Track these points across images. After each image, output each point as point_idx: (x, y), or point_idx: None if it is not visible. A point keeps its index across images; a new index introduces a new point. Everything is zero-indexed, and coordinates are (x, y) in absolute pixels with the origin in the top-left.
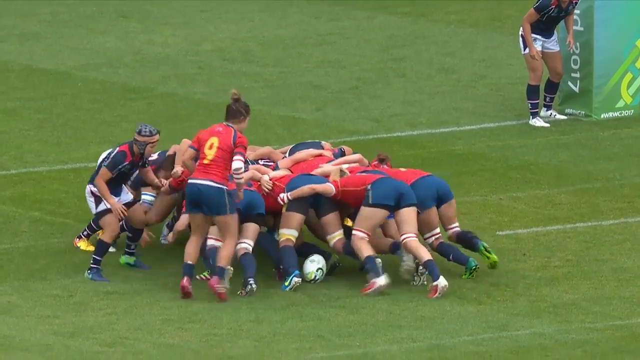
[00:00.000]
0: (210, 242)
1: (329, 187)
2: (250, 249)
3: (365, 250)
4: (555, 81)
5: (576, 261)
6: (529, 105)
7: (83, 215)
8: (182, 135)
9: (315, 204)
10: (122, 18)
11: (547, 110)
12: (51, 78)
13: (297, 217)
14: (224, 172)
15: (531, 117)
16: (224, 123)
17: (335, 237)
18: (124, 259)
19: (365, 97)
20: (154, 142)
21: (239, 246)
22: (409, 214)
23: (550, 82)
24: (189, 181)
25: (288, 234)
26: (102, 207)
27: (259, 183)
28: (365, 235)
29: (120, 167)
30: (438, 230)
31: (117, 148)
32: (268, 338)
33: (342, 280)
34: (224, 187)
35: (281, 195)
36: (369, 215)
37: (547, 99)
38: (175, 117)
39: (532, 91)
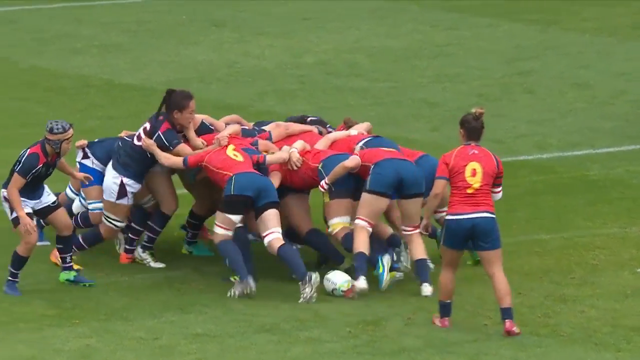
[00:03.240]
0: (219, 231)
1: (355, 160)
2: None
3: (360, 243)
4: None
5: None
6: None
7: (171, 249)
8: None
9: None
10: (214, 27)
11: None
12: (135, 94)
13: (343, 203)
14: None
15: None
16: (474, 144)
17: (338, 224)
18: (63, 276)
19: (487, 116)
20: (69, 137)
21: (270, 237)
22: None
23: None
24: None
25: (342, 222)
26: (15, 214)
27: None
28: (367, 225)
29: (33, 171)
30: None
31: (28, 151)
32: None
33: (458, 322)
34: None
35: (321, 182)
36: (368, 202)
37: None
38: None
39: None
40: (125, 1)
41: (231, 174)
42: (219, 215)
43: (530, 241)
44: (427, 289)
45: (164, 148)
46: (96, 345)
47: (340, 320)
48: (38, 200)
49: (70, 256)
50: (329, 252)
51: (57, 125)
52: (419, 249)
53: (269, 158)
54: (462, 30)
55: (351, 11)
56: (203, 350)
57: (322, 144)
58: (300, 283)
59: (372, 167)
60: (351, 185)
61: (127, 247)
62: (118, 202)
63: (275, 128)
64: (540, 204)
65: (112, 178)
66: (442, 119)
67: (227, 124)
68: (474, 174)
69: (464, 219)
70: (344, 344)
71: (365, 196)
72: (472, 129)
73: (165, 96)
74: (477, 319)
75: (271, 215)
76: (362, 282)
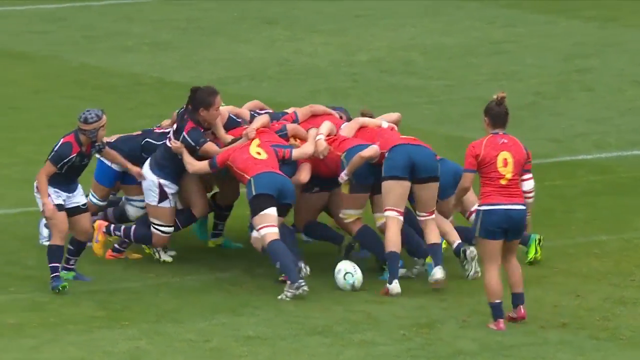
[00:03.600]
0: (264, 231)
1: (374, 149)
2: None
3: (391, 241)
4: None
5: None
6: None
7: (220, 250)
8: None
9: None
10: (266, 25)
11: None
12: (186, 93)
13: (361, 198)
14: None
15: None
16: (502, 132)
17: (353, 216)
18: (63, 274)
19: (544, 114)
20: (104, 124)
21: (264, 231)
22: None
23: None
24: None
25: (356, 214)
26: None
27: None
28: (397, 214)
29: (66, 160)
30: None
31: (61, 140)
32: None
33: (515, 325)
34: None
35: (341, 174)
36: (389, 188)
37: None
38: None
39: None
40: None
41: (249, 177)
42: (254, 220)
43: (588, 243)
44: (439, 272)
45: (191, 148)
46: (146, 348)
47: (394, 322)
48: (71, 195)
49: (76, 260)
50: (328, 238)
51: (90, 114)
52: (433, 233)
53: (295, 153)
54: (519, 27)
55: (406, 8)
56: (254, 353)
57: (349, 127)
58: (288, 282)
59: (386, 153)
60: (371, 181)
61: (117, 246)
62: (160, 205)
63: (300, 110)
64: (599, 205)
65: (149, 180)
66: None
67: (251, 111)
68: (505, 164)
69: (500, 209)
70: (398, 347)
71: (384, 185)
72: (497, 115)
73: (190, 94)
74: (533, 322)
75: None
76: (395, 287)
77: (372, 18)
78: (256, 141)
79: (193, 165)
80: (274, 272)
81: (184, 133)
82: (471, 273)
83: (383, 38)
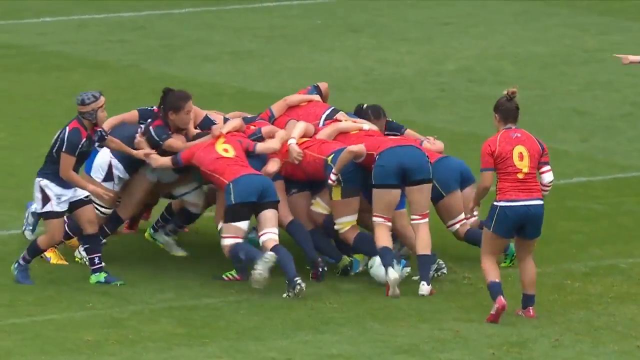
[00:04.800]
0: (229, 241)
1: (361, 146)
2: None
3: (381, 239)
4: None
5: None
6: None
7: (303, 266)
8: None
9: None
10: (351, 33)
11: None
12: (268, 102)
13: (352, 202)
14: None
15: None
16: (514, 127)
17: (348, 223)
18: (93, 278)
19: None
20: (102, 104)
21: (265, 237)
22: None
23: None
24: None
25: (351, 221)
26: (48, 207)
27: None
28: (383, 220)
29: (80, 146)
30: (462, 215)
31: (66, 129)
32: None
33: (613, 343)
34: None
35: (330, 176)
36: (378, 196)
37: None
38: None
39: None
40: (257, 6)
41: (227, 182)
42: (225, 227)
43: None
44: (425, 288)
45: (154, 143)
46: None
47: (483, 341)
48: (74, 190)
49: (100, 257)
50: (306, 248)
51: (87, 95)
52: (423, 243)
53: (259, 147)
54: (614, 34)
55: (495, 15)
56: None
57: (326, 132)
58: (287, 284)
59: (376, 157)
60: (358, 182)
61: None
62: (103, 184)
63: (275, 105)
64: None
65: (103, 157)
66: (593, 128)
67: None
68: (521, 157)
69: (519, 205)
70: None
71: (374, 192)
72: (507, 110)
73: (162, 95)
74: (629, 341)
75: (270, 215)
76: (392, 273)
77: (461, 26)
78: (222, 139)
79: (156, 160)
80: (359, 288)
81: (150, 127)
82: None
83: (472, 46)
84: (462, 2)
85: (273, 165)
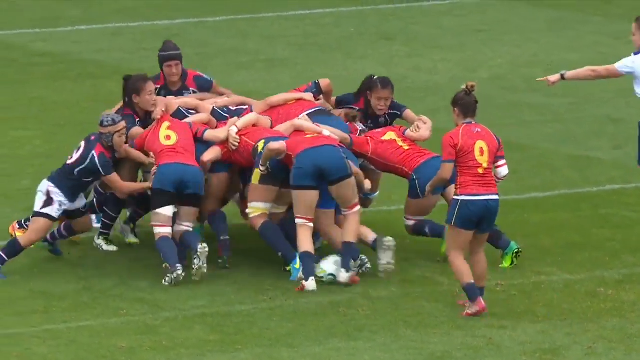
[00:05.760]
0: (157, 230)
1: (282, 144)
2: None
3: (303, 243)
4: None
5: None
6: None
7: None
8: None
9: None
10: (384, 40)
11: None
12: None
13: (270, 190)
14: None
15: None
16: (474, 121)
17: (259, 210)
18: (44, 245)
19: None
20: (120, 130)
21: (176, 227)
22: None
23: None
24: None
25: (262, 208)
26: (48, 210)
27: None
28: (305, 221)
29: (112, 166)
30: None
31: (94, 153)
32: None
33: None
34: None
35: (258, 165)
36: (297, 198)
37: None
38: None
39: None
40: (291, 14)
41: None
42: (153, 215)
43: None
44: (344, 275)
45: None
46: None
47: (516, 348)
48: (74, 203)
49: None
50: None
51: (106, 118)
52: (350, 231)
53: (207, 134)
54: None
55: (528, 23)
56: None
57: (283, 128)
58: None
59: (294, 159)
60: (279, 176)
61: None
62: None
63: (255, 105)
64: None
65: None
66: (627, 136)
67: (219, 108)
68: (482, 152)
69: (480, 200)
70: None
71: (294, 193)
72: (466, 104)
73: (123, 84)
74: None
75: (187, 212)
76: (311, 284)
77: (494, 33)
78: (166, 124)
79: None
80: (392, 295)
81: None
82: (383, 262)
83: (504, 54)
84: (495, 10)
85: (208, 154)
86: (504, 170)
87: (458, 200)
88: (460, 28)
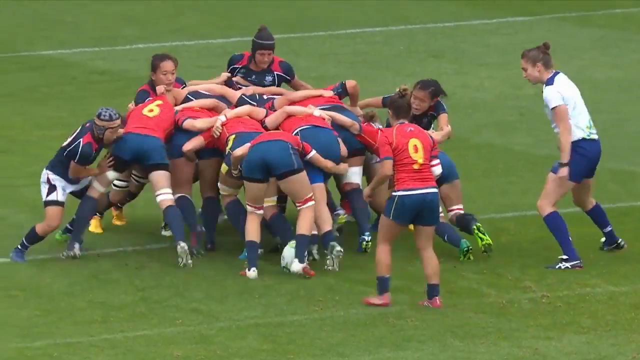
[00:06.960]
0: (96, 186)
1: (244, 149)
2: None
3: (250, 232)
4: None
5: None
6: None
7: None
8: (502, 192)
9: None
10: (432, 58)
11: None
12: None
13: (237, 180)
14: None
15: None
16: (407, 122)
17: (227, 190)
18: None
19: None
20: (114, 127)
21: (160, 197)
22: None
23: None
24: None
25: (230, 190)
26: (53, 196)
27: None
28: (254, 209)
29: (90, 159)
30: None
31: (81, 140)
32: None
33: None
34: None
35: (232, 171)
36: (247, 188)
37: None
38: (491, 171)
39: None
40: (341, 32)
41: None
42: (99, 177)
43: None
44: (297, 266)
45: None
46: None
47: (562, 359)
48: (79, 184)
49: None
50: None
51: (105, 112)
52: (303, 225)
53: (186, 124)
54: None
55: (573, 40)
56: None
57: (275, 117)
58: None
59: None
60: (259, 174)
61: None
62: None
63: (276, 100)
64: None
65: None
66: None
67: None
68: (416, 149)
69: (416, 194)
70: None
71: (245, 182)
72: (399, 106)
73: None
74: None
75: (159, 177)
76: (252, 274)
77: None
78: (158, 101)
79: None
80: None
81: (138, 90)
82: (329, 265)
83: None
84: (541, 28)
85: (189, 144)
86: (436, 170)
87: (396, 196)
88: (507, 46)
